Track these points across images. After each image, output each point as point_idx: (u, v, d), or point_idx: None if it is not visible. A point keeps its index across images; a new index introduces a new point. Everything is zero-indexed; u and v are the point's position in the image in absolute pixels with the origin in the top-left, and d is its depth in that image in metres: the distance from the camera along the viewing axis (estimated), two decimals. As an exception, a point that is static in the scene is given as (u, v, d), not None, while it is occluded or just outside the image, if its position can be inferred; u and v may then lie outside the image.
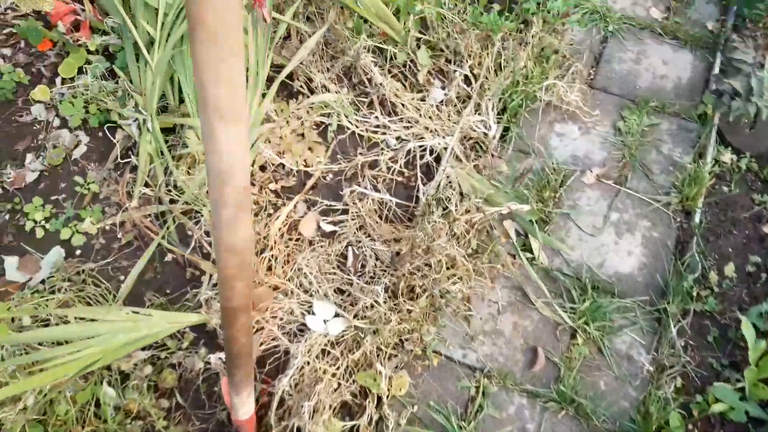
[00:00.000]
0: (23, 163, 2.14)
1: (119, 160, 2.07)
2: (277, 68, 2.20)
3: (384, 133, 2.19)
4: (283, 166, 2.06)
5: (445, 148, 2.12)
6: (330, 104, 2.15)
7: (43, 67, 2.36)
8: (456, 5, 2.43)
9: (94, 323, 1.50)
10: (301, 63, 2.20)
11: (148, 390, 1.69)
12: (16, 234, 2.00)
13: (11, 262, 1.95)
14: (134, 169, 2.06)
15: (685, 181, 2.08)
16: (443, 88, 2.26)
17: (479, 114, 2.18)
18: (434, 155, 2.13)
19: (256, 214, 2.00)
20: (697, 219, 2.02)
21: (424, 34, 2.36)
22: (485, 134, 2.16)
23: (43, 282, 1.89)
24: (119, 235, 1.97)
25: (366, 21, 2.25)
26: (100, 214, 2.01)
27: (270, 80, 2.17)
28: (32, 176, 2.12)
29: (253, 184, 2.03)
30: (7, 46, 2.41)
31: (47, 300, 1.83)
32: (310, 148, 2.14)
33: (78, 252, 1.96)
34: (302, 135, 2.15)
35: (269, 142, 2.08)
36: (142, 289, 1.89)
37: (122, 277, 1.92)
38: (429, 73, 2.31)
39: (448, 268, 1.76)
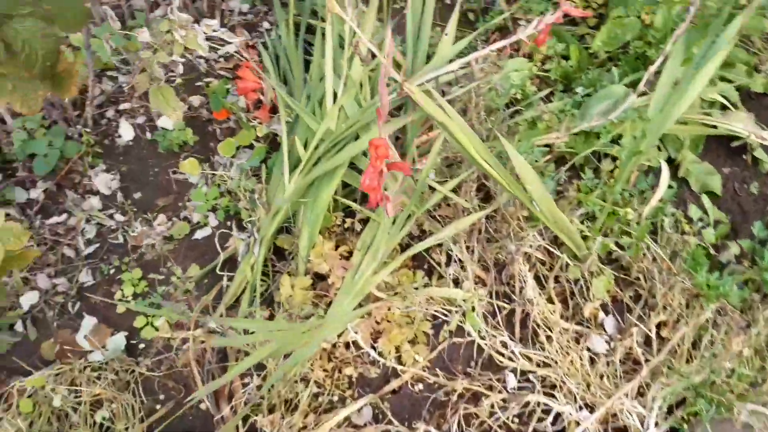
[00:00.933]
0: (152, 223, 2.10)
1: (218, 271, 1.90)
2: (414, 237, 1.84)
3: (510, 359, 1.71)
4: (369, 354, 1.71)
5: (577, 423, 1.57)
6: (458, 300, 1.74)
7: (219, 128, 2.32)
8: (678, 222, 1.84)
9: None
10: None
11: None
12: (105, 297, 1.94)
13: (88, 323, 1.89)
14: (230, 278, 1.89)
15: None
16: (609, 340, 1.69)
17: (641, 401, 1.58)
18: (558, 425, 1.59)
19: (316, 396, 1.68)
20: None
21: (618, 249, 1.82)
22: (638, 429, 1.56)
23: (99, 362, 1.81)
24: (180, 350, 1.80)
25: (546, 216, 1.78)
26: (179, 316, 1.87)
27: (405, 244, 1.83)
28: (151, 241, 2.06)
29: (329, 360, 1.72)
30: (200, 95, 2.41)
31: (87, 388, 1.74)
32: (413, 340, 1.75)
33: (142, 346, 1.84)
34: (412, 319, 1.77)
35: (369, 316, 1.73)
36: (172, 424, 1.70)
37: (161, 397, 1.75)
38: (602, 306, 1.76)
39: None
